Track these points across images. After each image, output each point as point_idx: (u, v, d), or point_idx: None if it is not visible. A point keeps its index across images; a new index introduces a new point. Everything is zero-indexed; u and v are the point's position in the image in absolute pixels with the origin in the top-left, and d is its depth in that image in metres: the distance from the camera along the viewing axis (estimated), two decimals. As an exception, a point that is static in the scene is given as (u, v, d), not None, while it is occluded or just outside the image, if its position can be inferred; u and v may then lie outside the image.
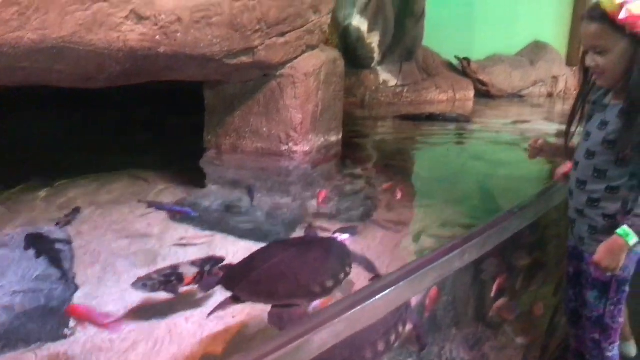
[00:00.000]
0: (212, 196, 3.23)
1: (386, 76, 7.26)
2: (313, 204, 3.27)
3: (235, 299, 1.86)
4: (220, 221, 2.99)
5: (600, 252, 1.76)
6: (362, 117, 6.45)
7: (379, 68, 7.18)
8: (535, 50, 9.23)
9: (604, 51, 1.73)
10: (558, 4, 9.70)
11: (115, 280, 2.23)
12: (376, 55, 6.99)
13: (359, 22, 6.64)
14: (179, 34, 2.82)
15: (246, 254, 2.50)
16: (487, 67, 8.47)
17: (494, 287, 2.47)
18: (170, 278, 1.88)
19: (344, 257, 2.18)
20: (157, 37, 2.76)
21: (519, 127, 5.99)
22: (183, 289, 1.93)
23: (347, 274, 2.08)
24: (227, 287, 1.92)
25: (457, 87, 7.96)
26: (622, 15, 1.64)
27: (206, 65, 3.13)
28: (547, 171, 3.96)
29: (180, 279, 1.89)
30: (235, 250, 2.63)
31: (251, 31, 3.07)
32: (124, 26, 2.57)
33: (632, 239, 1.70)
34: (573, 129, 2.01)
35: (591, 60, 1.78)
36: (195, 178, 3.48)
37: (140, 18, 2.65)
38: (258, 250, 2.21)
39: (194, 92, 3.95)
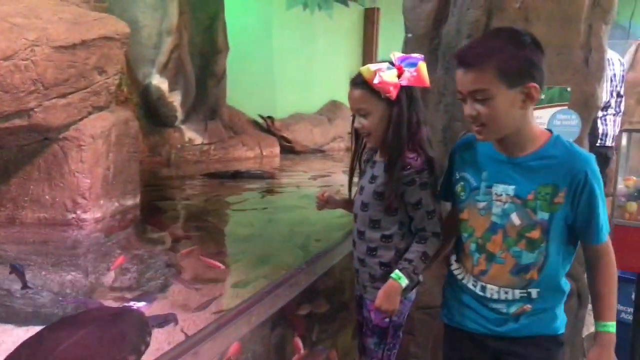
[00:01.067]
0: (-17, 278, 2.80)
1: (191, 134, 7.21)
2: (108, 277, 3.03)
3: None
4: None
5: (379, 297, 1.89)
6: (167, 176, 6.27)
7: (183, 126, 7.11)
8: (332, 109, 10.02)
9: (367, 114, 1.90)
10: (349, 66, 10.72)
11: None
12: (179, 114, 6.92)
13: (159, 81, 6.55)
14: None
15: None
16: (290, 125, 8.93)
17: (296, 342, 2.51)
18: None
19: (142, 326, 2.03)
20: None
21: (320, 180, 6.35)
22: None
23: (147, 344, 1.95)
24: None
25: (263, 144, 8.22)
26: (375, 81, 1.84)
27: (-30, 129, 2.79)
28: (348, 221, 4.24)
29: None
30: (12, 340, 2.28)
31: (25, 92, 2.82)
32: None
33: (404, 282, 1.85)
34: (352, 183, 2.17)
35: (357, 123, 1.95)
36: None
37: None
38: (40, 334, 1.94)
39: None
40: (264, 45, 8.91)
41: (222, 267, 3.05)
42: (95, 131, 3.25)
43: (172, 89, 6.64)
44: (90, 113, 3.28)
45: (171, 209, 4.77)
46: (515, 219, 1.65)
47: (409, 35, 3.04)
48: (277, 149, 8.47)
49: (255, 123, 8.68)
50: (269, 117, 8.72)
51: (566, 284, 1.72)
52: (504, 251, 1.68)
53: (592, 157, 1.62)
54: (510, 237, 1.67)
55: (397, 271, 1.87)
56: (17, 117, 2.88)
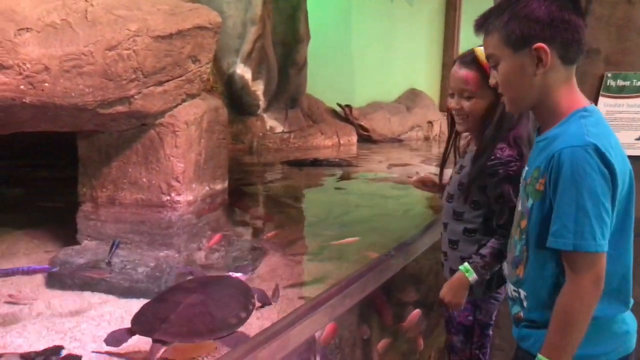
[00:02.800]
0: (87, 253, 3.02)
1: (272, 123, 7.37)
2: (199, 256, 3.17)
3: (160, 342, 1.87)
4: (95, 280, 2.80)
5: (444, 288, 1.83)
6: (250, 163, 6.47)
7: (265, 115, 7.28)
8: (411, 97, 9.89)
9: (471, 97, 1.77)
10: (429, 54, 10.53)
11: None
12: (261, 103, 7.09)
13: (242, 71, 6.73)
14: (46, 84, 2.68)
15: (126, 314, 2.38)
16: (368, 114, 8.91)
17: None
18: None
19: (246, 290, 2.28)
20: (22, 86, 2.60)
21: (398, 169, 6.31)
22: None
23: (254, 305, 2.19)
24: (146, 334, 1.91)
25: (341, 132, 8.27)
26: None
27: (78, 115, 2.99)
28: (427, 210, 4.20)
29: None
30: (112, 310, 2.46)
31: (126, 80, 2.99)
32: (-19, 75, 2.40)
33: (472, 276, 1.77)
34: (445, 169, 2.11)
35: (456, 103, 1.81)
36: (68, 234, 3.25)
37: (1, 67, 2.49)
38: (163, 294, 2.18)
39: (66, 143, 3.74)
40: (344, 33, 8.93)
41: (357, 238, 3.11)
42: (188, 118, 3.39)
43: (255, 78, 6.80)
44: (184, 100, 3.43)
45: (256, 193, 4.93)
46: (519, 203, 1.48)
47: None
48: (355, 138, 8.49)
49: (333, 112, 8.74)
50: (347, 106, 8.74)
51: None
52: (512, 237, 1.51)
53: (584, 143, 1.26)
54: (515, 222, 1.50)
55: (466, 264, 1.79)
56: (119, 103, 3.06)
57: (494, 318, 1.99)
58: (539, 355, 1.32)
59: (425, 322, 2.87)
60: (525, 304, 1.42)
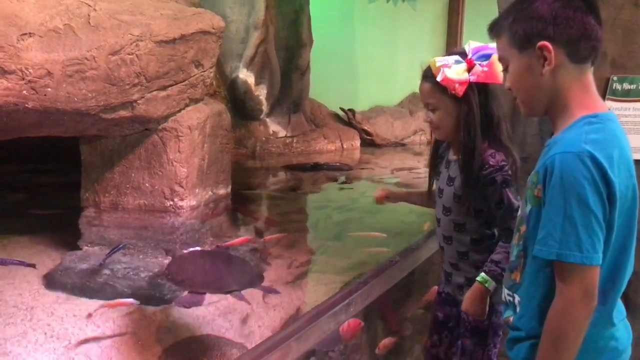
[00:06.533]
0: (90, 259, 3.01)
1: (275, 127, 7.35)
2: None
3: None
4: (97, 285, 2.78)
5: (466, 301, 1.84)
6: (253, 167, 6.47)
7: (267, 119, 7.27)
8: (414, 101, 9.84)
9: (434, 109, 1.84)
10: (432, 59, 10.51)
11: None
12: (264, 107, 7.08)
13: (245, 75, 6.72)
14: (49, 89, 2.67)
15: (132, 321, 2.35)
16: (371, 118, 8.89)
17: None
18: None
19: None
20: (24, 91, 2.60)
21: (399, 173, 6.31)
22: None
23: None
24: (219, 291, 2.18)
25: (344, 137, 8.25)
26: (438, 78, 1.77)
27: (81, 120, 2.98)
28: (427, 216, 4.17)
29: None
30: (115, 316, 2.44)
31: (129, 85, 2.99)
32: (-16, 80, 2.39)
33: (491, 284, 1.78)
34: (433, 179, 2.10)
35: (427, 116, 1.89)
36: (72, 240, 3.23)
37: (4, 72, 2.49)
38: (194, 266, 2.39)
39: (71, 148, 3.73)
40: (346, 38, 8.92)
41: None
42: (192, 122, 3.39)
43: (258, 82, 6.79)
44: (187, 105, 3.43)
45: (259, 198, 4.92)
46: (521, 207, 1.44)
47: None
48: (358, 142, 8.47)
49: (336, 116, 8.73)
50: (350, 110, 8.72)
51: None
52: (513, 242, 1.47)
53: (578, 150, 1.20)
54: (516, 227, 1.44)
55: (483, 274, 1.79)
56: (122, 108, 3.06)
57: None
58: None
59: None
60: (518, 309, 1.38)
